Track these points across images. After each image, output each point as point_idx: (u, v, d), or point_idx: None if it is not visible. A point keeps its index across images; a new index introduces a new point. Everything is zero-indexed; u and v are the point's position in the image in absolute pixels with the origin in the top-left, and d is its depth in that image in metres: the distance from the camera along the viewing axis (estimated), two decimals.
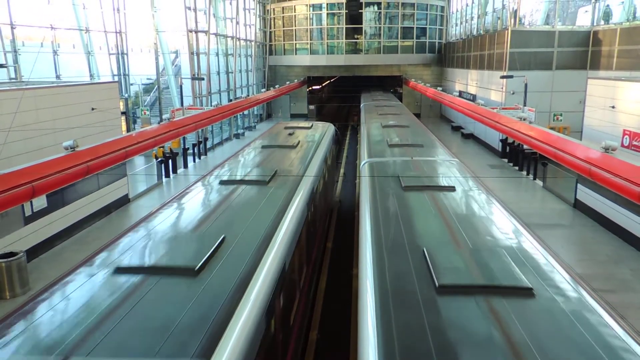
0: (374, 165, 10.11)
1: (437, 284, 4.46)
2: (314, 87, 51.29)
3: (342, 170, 24.46)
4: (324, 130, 15.16)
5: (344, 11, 40.93)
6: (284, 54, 43.52)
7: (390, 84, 50.92)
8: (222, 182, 8.19)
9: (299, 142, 12.41)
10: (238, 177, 8.42)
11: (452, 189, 7.86)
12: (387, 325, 3.90)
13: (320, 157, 11.35)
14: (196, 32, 26.94)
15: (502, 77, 24.72)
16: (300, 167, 9.77)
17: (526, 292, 4.33)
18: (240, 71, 36.00)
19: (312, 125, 16.07)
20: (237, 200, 7.28)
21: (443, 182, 8.35)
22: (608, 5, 25.23)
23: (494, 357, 3.45)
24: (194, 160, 25.18)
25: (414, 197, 7.50)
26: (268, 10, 43.53)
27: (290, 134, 13.93)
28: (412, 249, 5.39)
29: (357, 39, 42.08)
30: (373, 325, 3.97)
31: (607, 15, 25.35)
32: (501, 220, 6.58)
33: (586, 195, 15.82)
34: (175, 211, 6.96)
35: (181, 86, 23.61)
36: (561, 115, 23.81)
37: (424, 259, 5.05)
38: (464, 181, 8.57)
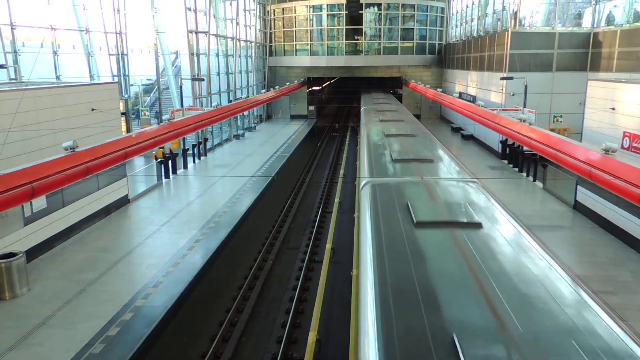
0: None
1: (415, 220, 6.59)
2: (314, 88, 51.28)
3: (342, 172, 24.45)
4: None
5: (344, 12, 40.91)
6: (284, 55, 43.52)
7: (390, 85, 50.91)
8: None
9: None
10: None
11: (430, 161, 10.64)
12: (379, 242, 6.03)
13: None
14: (196, 32, 26.94)
15: (502, 78, 24.73)
16: None
17: (476, 225, 6.43)
18: (240, 72, 36.00)
19: None
20: None
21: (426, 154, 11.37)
22: (610, 10, 25.23)
23: (454, 267, 5.18)
24: (194, 161, 25.20)
25: (403, 167, 10.34)
26: (268, 11, 43.53)
27: None
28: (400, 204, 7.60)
29: (357, 40, 42.06)
30: (370, 237, 6.21)
31: (611, 18, 25.29)
32: (468, 184, 9.06)
33: (586, 197, 15.82)
34: None
35: (181, 87, 23.60)
36: (561, 116, 23.82)
37: (407, 209, 7.21)
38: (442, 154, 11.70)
